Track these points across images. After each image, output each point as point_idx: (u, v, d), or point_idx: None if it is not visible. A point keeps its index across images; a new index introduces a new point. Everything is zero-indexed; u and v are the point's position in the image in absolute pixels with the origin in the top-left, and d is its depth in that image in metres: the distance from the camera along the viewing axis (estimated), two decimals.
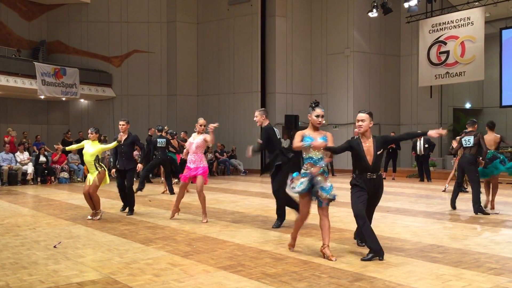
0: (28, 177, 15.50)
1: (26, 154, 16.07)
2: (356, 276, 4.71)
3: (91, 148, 8.24)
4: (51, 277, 4.73)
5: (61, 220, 8.25)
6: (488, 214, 8.70)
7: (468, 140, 8.87)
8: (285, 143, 20.80)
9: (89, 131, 8.47)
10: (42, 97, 19.65)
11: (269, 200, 10.97)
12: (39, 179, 15.89)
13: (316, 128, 5.49)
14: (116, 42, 22.10)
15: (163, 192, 12.66)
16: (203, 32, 22.71)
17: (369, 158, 5.39)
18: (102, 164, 8.44)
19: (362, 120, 5.46)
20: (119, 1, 22.05)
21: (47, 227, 7.58)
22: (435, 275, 4.73)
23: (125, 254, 5.67)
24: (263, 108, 8.02)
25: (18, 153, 15.78)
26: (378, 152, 5.43)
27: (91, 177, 8.21)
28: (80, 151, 11.96)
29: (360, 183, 5.39)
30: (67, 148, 9.55)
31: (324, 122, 5.51)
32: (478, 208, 8.74)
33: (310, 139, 5.37)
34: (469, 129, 8.99)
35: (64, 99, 20.79)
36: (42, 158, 16.08)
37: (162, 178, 13.68)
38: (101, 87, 21.66)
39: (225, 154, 20.50)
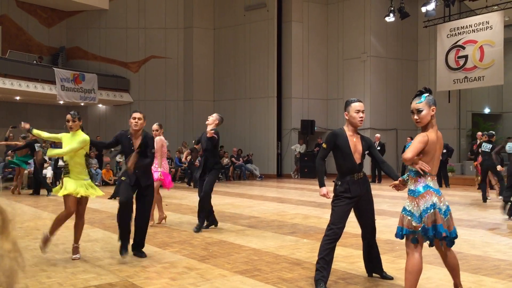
0: (48, 181, 15.71)
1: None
2: (373, 282, 4.68)
3: (75, 142, 5.51)
4: (69, 279, 4.79)
5: None
6: None
7: None
8: (301, 148, 20.80)
9: (69, 117, 5.61)
10: (61, 102, 19.93)
11: (285, 205, 10.96)
12: (58, 183, 16.05)
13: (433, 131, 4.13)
14: (134, 47, 22.35)
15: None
16: (219, 37, 22.84)
17: (357, 156, 4.50)
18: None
19: (363, 111, 4.55)
20: (136, 7, 22.32)
21: (66, 230, 7.59)
22: None
23: (142, 258, 5.71)
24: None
25: None
26: (366, 152, 4.63)
27: (76, 186, 5.49)
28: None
29: (346, 189, 4.44)
30: (39, 133, 6.05)
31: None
32: None
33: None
34: None
35: (82, 104, 21.05)
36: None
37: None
38: (119, 92, 21.91)
39: (241, 159, 20.54)
